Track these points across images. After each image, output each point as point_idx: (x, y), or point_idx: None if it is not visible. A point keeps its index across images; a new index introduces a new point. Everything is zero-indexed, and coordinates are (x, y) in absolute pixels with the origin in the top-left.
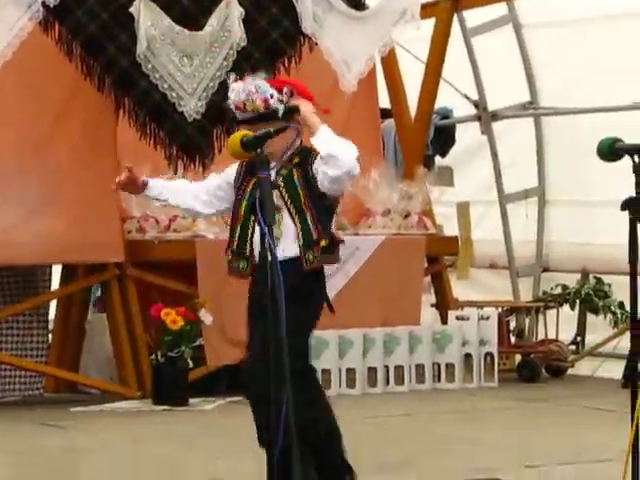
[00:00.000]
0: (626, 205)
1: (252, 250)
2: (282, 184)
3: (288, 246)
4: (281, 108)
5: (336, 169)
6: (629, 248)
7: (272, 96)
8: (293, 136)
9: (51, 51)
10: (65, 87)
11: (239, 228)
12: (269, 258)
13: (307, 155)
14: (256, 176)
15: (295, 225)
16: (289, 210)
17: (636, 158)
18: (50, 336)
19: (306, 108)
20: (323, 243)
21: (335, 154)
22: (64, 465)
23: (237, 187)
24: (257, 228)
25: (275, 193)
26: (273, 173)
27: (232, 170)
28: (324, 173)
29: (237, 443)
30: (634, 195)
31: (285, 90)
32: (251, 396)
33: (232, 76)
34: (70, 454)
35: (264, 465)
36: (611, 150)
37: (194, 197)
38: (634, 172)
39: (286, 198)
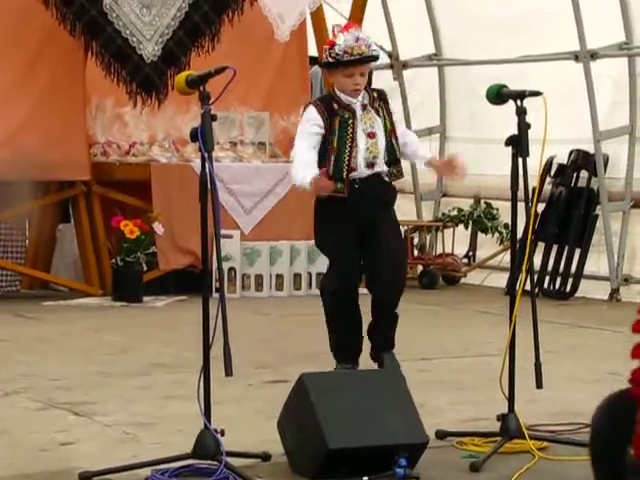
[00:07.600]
0: (509, 142)
1: (348, 173)
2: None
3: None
4: (376, 54)
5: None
6: (511, 178)
7: (371, 44)
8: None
9: (31, 2)
10: (43, 31)
11: (333, 158)
12: (207, 182)
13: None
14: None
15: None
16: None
17: (518, 102)
18: (27, 242)
19: None
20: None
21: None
22: (37, 349)
23: (326, 127)
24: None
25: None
26: (359, 105)
27: (316, 120)
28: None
29: (181, 334)
30: (516, 133)
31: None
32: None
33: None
34: (42, 341)
35: (201, 353)
36: (498, 95)
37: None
38: (517, 114)
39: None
